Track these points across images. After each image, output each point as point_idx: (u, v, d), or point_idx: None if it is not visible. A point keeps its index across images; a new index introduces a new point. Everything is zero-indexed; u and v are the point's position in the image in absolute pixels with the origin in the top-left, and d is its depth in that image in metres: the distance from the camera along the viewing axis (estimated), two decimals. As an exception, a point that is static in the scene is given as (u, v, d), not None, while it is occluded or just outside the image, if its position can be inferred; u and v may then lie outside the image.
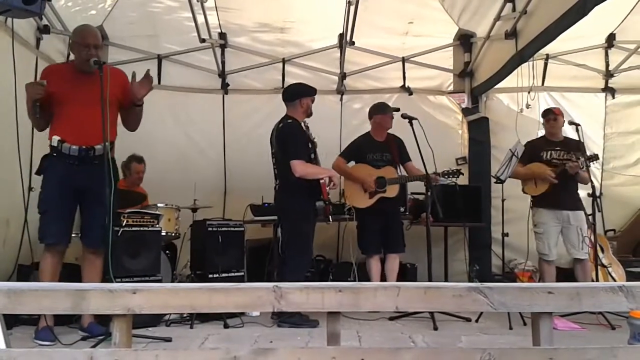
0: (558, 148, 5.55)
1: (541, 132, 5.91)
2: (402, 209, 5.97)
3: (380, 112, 5.67)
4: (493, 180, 6.02)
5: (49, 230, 4.07)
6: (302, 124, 5.11)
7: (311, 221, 5.03)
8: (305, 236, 4.96)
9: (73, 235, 4.54)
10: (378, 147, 5.62)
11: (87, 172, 4.07)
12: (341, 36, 6.87)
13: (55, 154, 4.10)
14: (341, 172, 5.57)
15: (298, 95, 5.14)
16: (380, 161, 5.57)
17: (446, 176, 5.52)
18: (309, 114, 5.16)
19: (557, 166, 5.42)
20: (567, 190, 5.40)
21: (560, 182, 5.36)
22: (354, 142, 5.73)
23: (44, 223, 4.10)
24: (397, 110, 5.56)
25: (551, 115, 5.63)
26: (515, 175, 5.65)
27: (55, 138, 4.06)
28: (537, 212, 5.53)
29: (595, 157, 5.51)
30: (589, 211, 5.22)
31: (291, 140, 4.94)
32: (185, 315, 4.79)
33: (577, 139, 5.31)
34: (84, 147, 4.07)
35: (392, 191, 5.52)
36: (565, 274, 5.63)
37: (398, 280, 5.57)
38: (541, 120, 5.76)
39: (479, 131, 7.14)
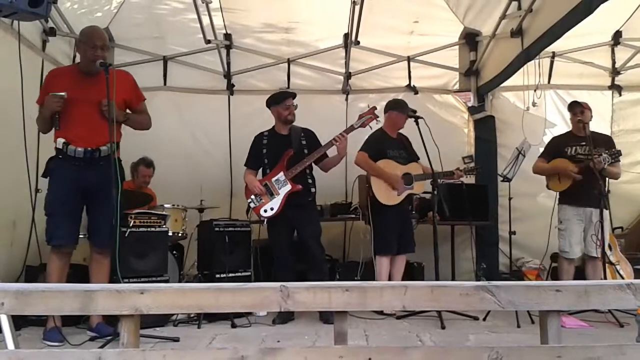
0: (584, 143, 5.37)
1: (548, 131, 5.87)
2: (409, 208, 5.93)
3: (398, 109, 5.58)
4: (500, 178, 6.01)
5: (56, 232, 4.08)
6: (277, 132, 5.28)
7: (274, 223, 5.14)
8: (271, 237, 5.26)
9: (80, 236, 4.58)
10: (395, 144, 5.57)
11: (93, 173, 4.10)
12: (346, 36, 6.87)
13: (60, 156, 4.12)
14: (367, 168, 5.46)
15: (268, 105, 5.36)
16: (399, 158, 5.52)
17: (469, 173, 5.52)
18: (286, 121, 5.24)
19: (582, 162, 5.32)
20: (591, 187, 5.21)
21: (586, 178, 5.23)
22: (374, 137, 5.53)
23: (51, 225, 4.11)
24: (414, 112, 5.40)
25: (578, 109, 5.49)
26: (539, 171, 5.61)
27: (60, 140, 4.08)
28: (562, 208, 5.47)
29: (618, 153, 5.41)
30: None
31: (249, 150, 5.40)
32: (192, 315, 4.81)
33: (606, 134, 5.18)
34: (89, 148, 4.10)
35: (419, 188, 5.49)
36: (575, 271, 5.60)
37: (404, 279, 5.57)
38: (549, 117, 5.72)
39: (485, 130, 7.12)
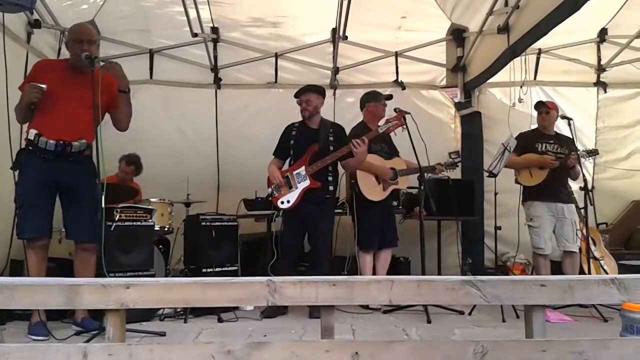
0: (552, 141, 5.52)
1: (534, 126, 5.92)
2: (395, 203, 5.95)
3: (372, 99, 5.62)
4: (486, 174, 6.03)
5: (26, 226, 4.01)
6: (307, 125, 5.28)
7: (288, 215, 5.20)
8: (283, 228, 5.33)
9: (64, 230, 4.54)
10: (377, 138, 5.47)
11: (63, 169, 4.05)
12: (334, 31, 6.87)
13: (30, 148, 4.04)
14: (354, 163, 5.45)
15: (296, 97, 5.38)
16: (382, 152, 5.52)
17: (448, 168, 5.53)
18: (303, 115, 5.27)
19: (559, 159, 5.38)
20: (561, 183, 5.39)
21: (555, 175, 5.34)
22: (355, 132, 5.47)
23: (20, 218, 4.03)
24: (390, 97, 5.56)
25: (543, 109, 5.59)
26: (512, 164, 5.60)
27: (33, 131, 4.00)
28: (532, 205, 5.48)
29: (595, 152, 5.50)
30: (581, 204, 5.24)
31: (279, 139, 5.41)
32: (179, 309, 4.79)
33: (569, 134, 5.31)
34: (60, 142, 4.02)
35: (403, 183, 5.51)
36: (555, 267, 5.64)
37: (390, 273, 5.58)
38: (534, 113, 5.76)
39: (472, 125, 7.16)
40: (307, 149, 5.13)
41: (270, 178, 5.19)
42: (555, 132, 5.60)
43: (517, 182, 5.63)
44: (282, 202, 5.12)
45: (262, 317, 4.84)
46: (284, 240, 5.31)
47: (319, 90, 5.34)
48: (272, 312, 4.90)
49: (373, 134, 5.14)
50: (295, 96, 5.32)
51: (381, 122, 5.29)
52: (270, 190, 5.21)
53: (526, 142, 5.60)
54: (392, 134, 5.46)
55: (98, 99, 3.76)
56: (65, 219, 4.26)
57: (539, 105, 5.67)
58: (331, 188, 5.20)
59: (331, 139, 5.20)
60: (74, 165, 4.03)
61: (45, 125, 4.03)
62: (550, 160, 5.35)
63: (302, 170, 5.10)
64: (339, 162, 5.23)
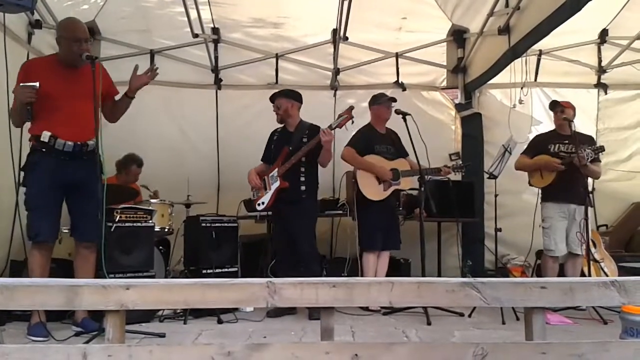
0: (567, 141, 5.41)
1: (534, 128, 5.90)
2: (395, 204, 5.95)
3: (375, 102, 5.62)
4: (486, 175, 6.03)
5: (41, 228, 3.99)
6: (286, 128, 5.41)
7: (273, 216, 5.53)
8: (273, 230, 5.62)
9: (65, 230, 4.54)
10: (382, 139, 5.55)
11: (77, 167, 4.05)
12: (335, 31, 6.87)
13: (44, 149, 4.02)
14: (354, 162, 5.44)
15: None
16: (387, 153, 5.50)
17: (456, 170, 5.54)
18: (276, 119, 5.44)
19: (564, 158, 5.32)
20: (574, 184, 5.23)
21: (568, 175, 5.24)
22: (361, 133, 5.53)
23: (34, 220, 4.00)
24: (394, 100, 5.55)
25: (558, 108, 5.52)
26: (521, 166, 5.60)
27: (47, 133, 3.98)
28: (545, 206, 5.46)
29: (601, 149, 5.45)
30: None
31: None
32: (178, 311, 4.79)
33: (589, 134, 5.22)
34: (78, 142, 4.04)
35: (406, 183, 5.50)
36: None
37: (390, 275, 5.58)
38: (535, 114, 5.74)
39: (472, 127, 7.15)
40: (282, 151, 5.22)
41: (248, 180, 5.33)
42: (574, 131, 5.50)
43: (530, 184, 5.62)
44: (259, 205, 5.31)
45: (268, 316, 4.88)
46: (273, 240, 5.50)
47: (288, 94, 5.41)
48: (279, 311, 4.92)
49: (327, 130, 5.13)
50: (271, 101, 5.45)
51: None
52: (252, 193, 5.39)
53: (539, 143, 5.58)
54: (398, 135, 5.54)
55: (99, 101, 3.76)
56: (73, 217, 4.25)
57: (554, 105, 5.61)
58: (303, 188, 5.19)
59: (305, 140, 5.20)
60: (87, 163, 4.00)
61: (60, 126, 4.02)
62: (555, 163, 5.32)
63: (275, 171, 5.21)
64: (318, 163, 5.27)
